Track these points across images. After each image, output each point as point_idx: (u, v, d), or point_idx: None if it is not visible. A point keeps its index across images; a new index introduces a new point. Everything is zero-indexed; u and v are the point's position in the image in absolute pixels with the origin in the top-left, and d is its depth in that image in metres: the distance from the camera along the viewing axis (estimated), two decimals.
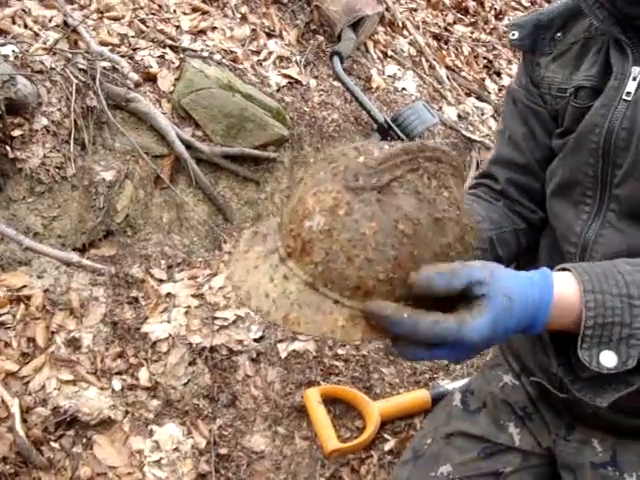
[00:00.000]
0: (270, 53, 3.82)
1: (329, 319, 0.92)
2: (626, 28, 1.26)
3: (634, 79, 1.25)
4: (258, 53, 3.79)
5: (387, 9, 4.61)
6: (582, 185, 1.33)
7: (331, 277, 0.92)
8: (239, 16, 3.95)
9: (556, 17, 1.42)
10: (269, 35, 3.97)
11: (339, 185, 0.93)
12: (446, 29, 5.35)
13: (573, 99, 1.35)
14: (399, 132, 3.43)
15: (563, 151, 1.37)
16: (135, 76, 3.02)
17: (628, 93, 1.25)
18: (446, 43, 5.15)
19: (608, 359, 0.93)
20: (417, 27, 4.99)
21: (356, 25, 4.03)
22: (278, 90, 3.60)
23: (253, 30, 3.89)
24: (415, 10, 5.32)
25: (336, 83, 3.83)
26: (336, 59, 3.76)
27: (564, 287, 0.95)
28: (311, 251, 0.93)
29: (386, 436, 2.56)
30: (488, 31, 5.65)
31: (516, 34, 1.45)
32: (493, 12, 5.99)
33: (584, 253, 1.32)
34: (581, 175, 1.33)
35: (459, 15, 5.70)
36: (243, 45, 3.75)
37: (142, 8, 3.64)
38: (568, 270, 0.99)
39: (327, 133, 3.50)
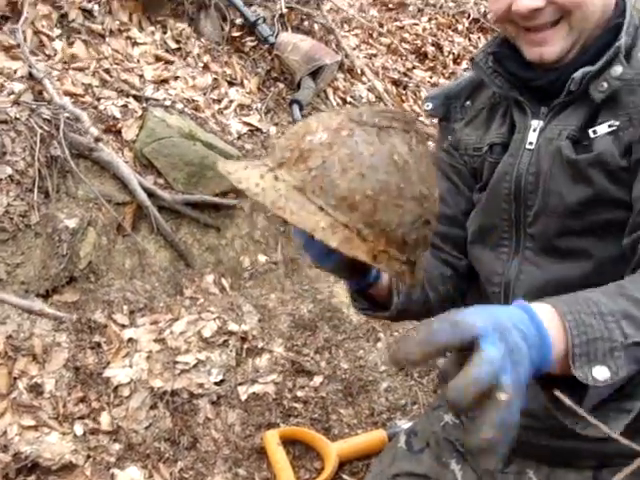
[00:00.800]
0: (231, 101, 3.90)
1: (312, 218, 0.98)
2: (522, 90, 1.44)
3: (534, 130, 1.42)
4: (219, 101, 3.86)
5: (346, 56, 4.73)
6: (499, 229, 1.48)
7: (322, 184, 0.99)
8: (201, 65, 4.03)
9: (463, 89, 1.61)
10: (230, 83, 4.05)
11: (344, 117, 1.03)
12: (405, 74, 5.47)
13: (489, 155, 1.50)
14: None
15: (480, 202, 1.52)
16: (95, 131, 3.09)
17: (530, 143, 1.42)
18: (405, 88, 5.27)
19: (600, 373, 0.96)
20: (376, 73, 5.11)
21: (316, 73, 4.14)
22: (239, 138, 3.68)
23: (215, 79, 3.97)
24: (375, 56, 5.46)
25: None
26: (295, 107, 3.87)
27: (546, 317, 0.97)
28: (308, 158, 1.01)
29: (344, 476, 2.62)
30: (447, 75, 5.79)
31: (430, 105, 1.62)
32: (451, 57, 6.13)
33: (507, 291, 1.45)
34: (497, 220, 1.47)
35: (418, 60, 5.85)
36: (205, 94, 3.83)
37: (106, 58, 3.72)
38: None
39: None
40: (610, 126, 1.32)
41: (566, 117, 1.39)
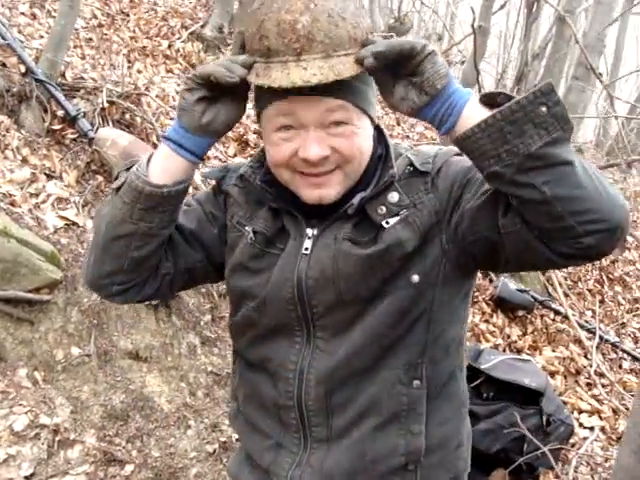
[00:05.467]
0: (49, 195, 3.93)
1: (349, 65, 1.36)
2: (295, 207, 1.58)
3: (309, 238, 1.56)
4: (37, 196, 3.88)
5: None
6: (290, 325, 1.60)
7: (334, 43, 1.35)
8: (20, 158, 4.04)
9: (242, 166, 1.67)
10: (49, 176, 4.08)
11: None
12: (226, 161, 5.63)
13: (252, 239, 1.61)
14: None
15: (256, 304, 1.62)
16: None
17: (306, 249, 1.55)
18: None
19: None
20: None
21: None
22: (55, 232, 3.72)
23: (33, 172, 3.99)
24: None
25: None
26: None
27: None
28: (314, 37, 1.34)
29: None
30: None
31: (207, 170, 1.75)
32: None
33: (302, 376, 1.58)
34: (287, 319, 1.59)
35: (240, 148, 6.01)
36: (22, 188, 3.84)
37: None
38: None
39: None
40: (398, 215, 1.51)
41: (340, 225, 1.54)
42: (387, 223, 1.51)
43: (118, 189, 1.53)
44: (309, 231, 1.57)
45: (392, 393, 1.56)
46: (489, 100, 1.33)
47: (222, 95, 1.46)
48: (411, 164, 1.56)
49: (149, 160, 1.53)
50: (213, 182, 1.74)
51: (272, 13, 1.36)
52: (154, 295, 1.70)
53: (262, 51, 1.39)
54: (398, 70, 1.36)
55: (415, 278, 1.51)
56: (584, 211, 1.26)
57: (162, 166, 1.51)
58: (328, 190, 1.50)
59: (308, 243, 1.56)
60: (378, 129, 1.61)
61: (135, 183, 1.49)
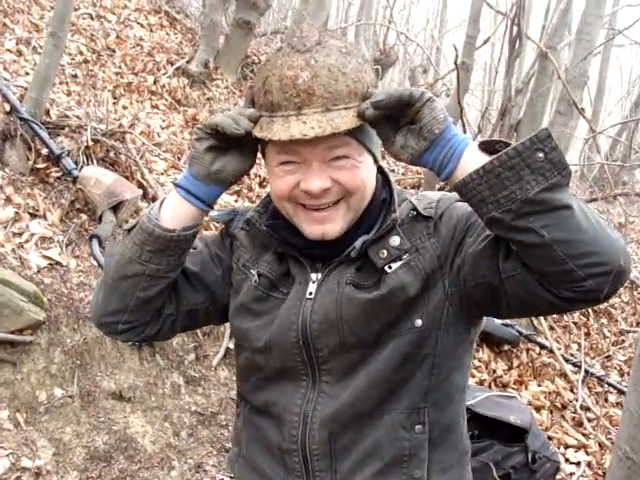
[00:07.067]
0: (32, 235, 3.92)
1: (347, 119, 1.39)
2: (299, 251, 1.61)
3: (313, 282, 1.58)
4: (20, 235, 3.87)
5: (150, 187, 4.87)
6: (295, 369, 1.61)
7: (333, 97, 1.39)
8: (3, 197, 4.04)
9: (249, 210, 1.71)
10: (33, 215, 4.08)
11: (296, 55, 1.41)
12: None
13: (256, 282, 1.63)
14: None
15: (261, 347, 1.63)
16: None
17: (310, 293, 1.57)
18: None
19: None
20: None
21: (117, 207, 4.22)
22: (38, 272, 3.71)
23: (16, 212, 3.99)
24: None
25: (95, 263, 3.99)
26: (94, 242, 3.95)
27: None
28: (314, 91, 1.38)
29: None
30: (253, 199, 5.95)
31: (216, 213, 1.73)
32: (257, 179, 6.36)
33: (306, 419, 1.58)
34: (292, 362, 1.60)
35: None
36: (5, 227, 3.84)
37: None
38: None
39: (83, 314, 3.66)
40: (401, 259, 1.52)
41: (343, 269, 1.57)
42: (390, 267, 1.52)
43: (130, 230, 1.57)
44: (313, 276, 1.59)
45: (394, 437, 1.56)
46: (488, 147, 1.35)
47: (231, 146, 1.50)
48: (414, 209, 1.59)
49: (161, 204, 1.56)
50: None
51: (276, 69, 1.42)
52: (156, 336, 1.72)
53: (267, 105, 1.44)
54: (398, 120, 1.39)
55: (419, 322, 1.53)
56: (584, 254, 1.27)
57: (172, 212, 1.54)
58: (332, 225, 1.52)
59: (312, 287, 1.58)
60: (383, 174, 1.65)
61: (146, 225, 1.53)
